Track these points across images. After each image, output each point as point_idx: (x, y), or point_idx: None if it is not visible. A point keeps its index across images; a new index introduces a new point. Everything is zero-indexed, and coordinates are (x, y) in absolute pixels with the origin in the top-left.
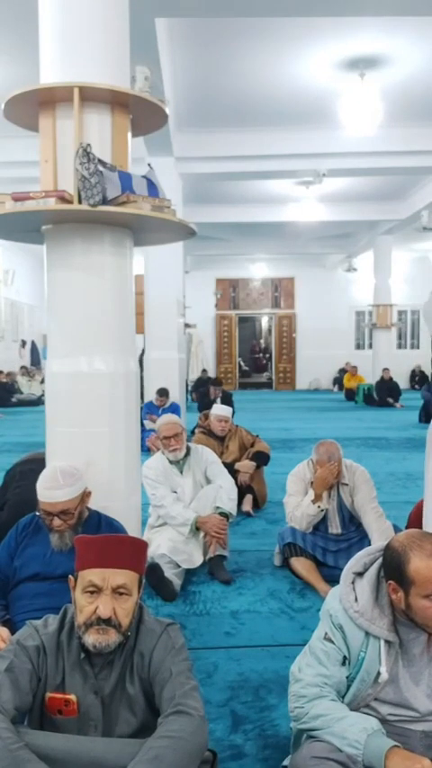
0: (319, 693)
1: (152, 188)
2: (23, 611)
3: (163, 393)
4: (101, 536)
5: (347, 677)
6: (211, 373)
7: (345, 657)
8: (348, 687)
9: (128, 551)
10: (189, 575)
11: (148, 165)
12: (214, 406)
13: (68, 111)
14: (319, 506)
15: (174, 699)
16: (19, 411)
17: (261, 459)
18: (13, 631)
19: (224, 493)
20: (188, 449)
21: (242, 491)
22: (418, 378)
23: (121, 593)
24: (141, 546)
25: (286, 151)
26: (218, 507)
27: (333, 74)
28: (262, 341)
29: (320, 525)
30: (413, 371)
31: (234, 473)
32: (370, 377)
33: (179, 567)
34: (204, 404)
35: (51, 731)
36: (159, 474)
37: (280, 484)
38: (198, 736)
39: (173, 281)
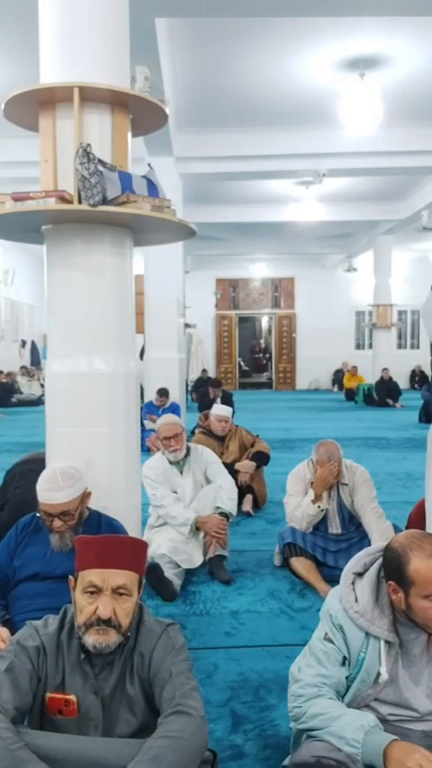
0: (318, 693)
1: (152, 188)
2: (23, 611)
3: (163, 393)
4: (101, 536)
5: (347, 677)
6: (211, 373)
7: (345, 658)
8: (348, 687)
9: (128, 552)
10: (189, 575)
11: (148, 165)
12: (214, 406)
13: (68, 111)
14: (319, 506)
15: (174, 699)
16: (19, 411)
17: (261, 459)
18: (12, 631)
19: (224, 493)
20: (188, 449)
21: (242, 491)
22: (418, 378)
23: (121, 594)
24: (141, 546)
25: (286, 151)
26: (218, 507)
27: (333, 74)
28: (262, 341)
29: (320, 525)
30: (413, 371)
31: (234, 473)
32: (370, 377)
33: (179, 567)
34: (204, 404)
35: (51, 731)
36: (159, 474)
37: (280, 484)
38: (198, 736)
39: (173, 281)
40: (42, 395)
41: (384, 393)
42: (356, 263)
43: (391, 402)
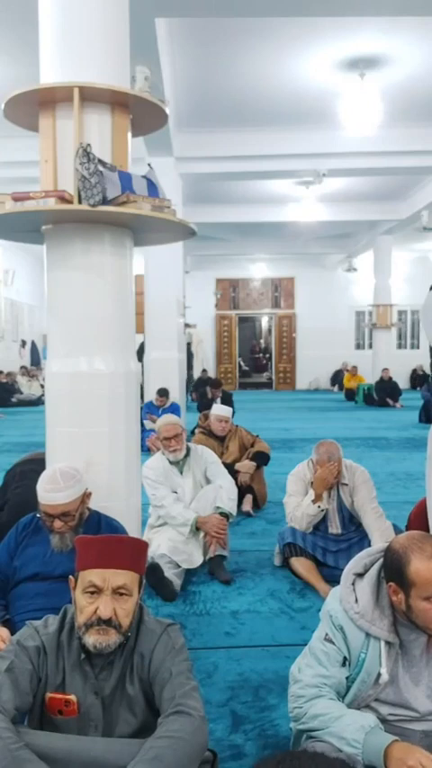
0: (318, 693)
1: (152, 188)
2: (23, 611)
3: (163, 393)
4: (101, 536)
5: (348, 678)
6: (211, 373)
7: (345, 658)
8: (349, 688)
9: (128, 552)
10: (189, 575)
11: (148, 165)
12: (214, 406)
13: (68, 111)
14: (319, 506)
15: (174, 699)
16: (19, 411)
17: (261, 459)
18: (12, 631)
19: (224, 493)
20: (188, 449)
21: (242, 491)
22: (418, 378)
23: (122, 594)
24: (141, 546)
25: (286, 151)
26: (218, 507)
27: (333, 74)
28: (262, 341)
29: (320, 525)
30: (413, 371)
31: (234, 473)
32: (370, 377)
33: (179, 566)
34: (204, 404)
35: (51, 731)
36: (159, 474)
37: (280, 484)
38: (198, 736)
39: (173, 281)
40: (42, 395)
41: (384, 393)
42: (356, 263)
43: (391, 402)
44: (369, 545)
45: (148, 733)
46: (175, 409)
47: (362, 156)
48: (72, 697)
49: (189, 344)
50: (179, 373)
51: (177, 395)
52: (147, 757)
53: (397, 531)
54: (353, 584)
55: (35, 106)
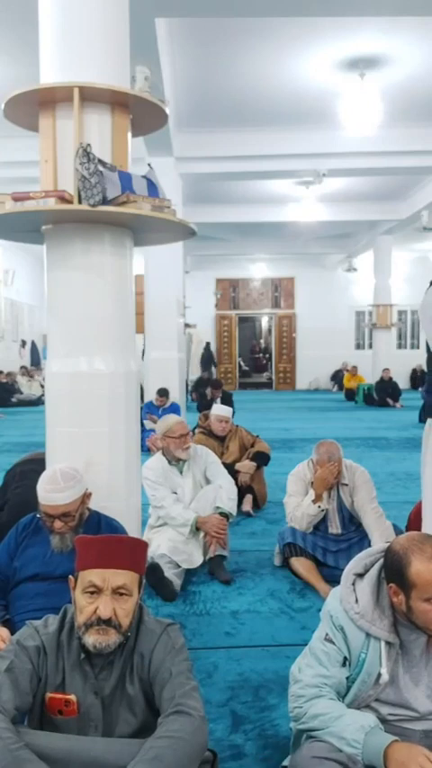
0: (318, 693)
1: (152, 188)
2: (23, 611)
3: (163, 393)
4: (101, 536)
5: (348, 678)
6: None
7: (345, 658)
8: (349, 688)
9: (128, 552)
10: (189, 575)
11: (148, 165)
12: (214, 406)
13: (68, 111)
14: (319, 506)
15: (174, 699)
16: (19, 411)
17: (261, 459)
18: (12, 631)
19: (224, 493)
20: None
21: (242, 491)
22: (418, 378)
23: (122, 594)
24: (141, 546)
25: (286, 151)
26: (218, 507)
27: (333, 74)
28: (262, 341)
29: (320, 525)
30: (413, 371)
31: (234, 473)
32: (370, 377)
33: (179, 566)
34: (204, 404)
35: (51, 731)
36: (159, 475)
37: (280, 484)
38: (198, 736)
39: (173, 281)
40: (42, 395)
41: (384, 393)
42: (356, 263)
43: (391, 402)
44: (369, 545)
45: (148, 733)
46: (175, 409)
47: (362, 156)
48: (72, 697)
49: (208, 343)
50: (179, 373)
51: (177, 395)
52: (147, 757)
53: (397, 531)
54: (353, 584)
55: (35, 106)
